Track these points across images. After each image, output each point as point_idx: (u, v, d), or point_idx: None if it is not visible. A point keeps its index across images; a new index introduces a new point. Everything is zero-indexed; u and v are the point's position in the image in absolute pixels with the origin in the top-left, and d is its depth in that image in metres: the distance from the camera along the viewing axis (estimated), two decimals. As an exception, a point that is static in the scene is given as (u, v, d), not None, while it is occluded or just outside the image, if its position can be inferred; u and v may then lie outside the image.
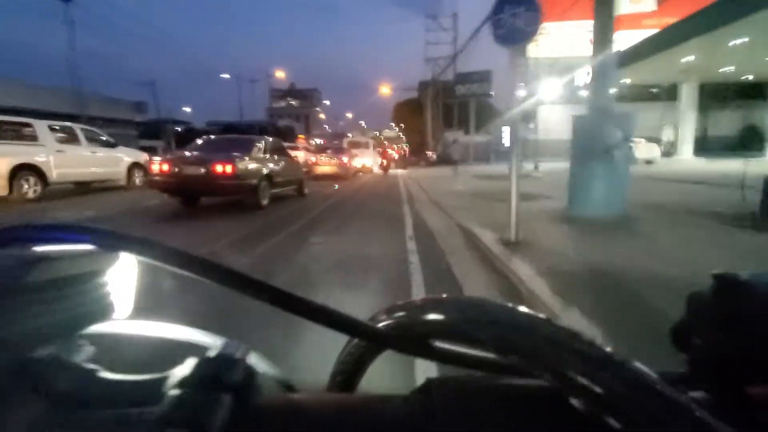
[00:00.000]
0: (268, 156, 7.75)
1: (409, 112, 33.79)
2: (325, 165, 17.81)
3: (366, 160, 22.56)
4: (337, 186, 12.41)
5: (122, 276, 0.26)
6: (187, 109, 59.70)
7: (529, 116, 26.04)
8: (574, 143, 5.28)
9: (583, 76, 20.27)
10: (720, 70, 16.03)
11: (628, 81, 19.83)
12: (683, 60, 14.60)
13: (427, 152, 33.86)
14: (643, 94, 22.34)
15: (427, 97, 27.02)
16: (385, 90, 26.92)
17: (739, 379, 0.20)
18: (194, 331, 0.32)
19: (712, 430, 0.15)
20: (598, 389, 0.16)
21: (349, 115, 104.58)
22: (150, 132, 48.33)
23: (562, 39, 26.06)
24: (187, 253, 0.21)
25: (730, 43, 12.63)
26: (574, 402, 0.18)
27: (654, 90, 20.46)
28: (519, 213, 3.99)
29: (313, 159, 18.80)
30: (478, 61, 27.86)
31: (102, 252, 0.24)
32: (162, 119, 60.62)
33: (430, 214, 6.64)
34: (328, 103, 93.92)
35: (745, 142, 21.54)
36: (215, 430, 0.17)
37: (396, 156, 29.08)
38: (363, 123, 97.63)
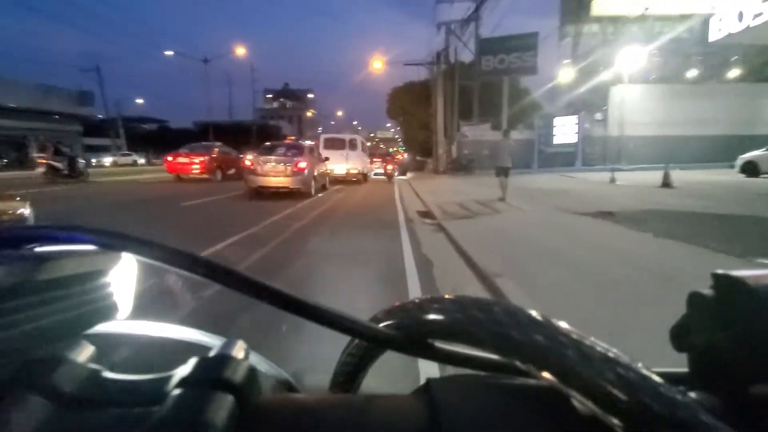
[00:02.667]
0: None
1: (410, 101, 25.46)
2: (270, 175, 10.10)
3: (352, 164, 15.54)
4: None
5: (124, 276, 0.27)
6: (140, 101, 52.01)
7: (595, 103, 17.89)
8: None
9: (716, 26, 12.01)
10: None
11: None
12: None
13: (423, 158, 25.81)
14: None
15: (438, 78, 18.78)
16: (377, 65, 18.73)
17: (740, 379, 0.20)
18: (195, 331, 0.32)
19: (713, 431, 0.15)
20: (599, 389, 0.16)
21: (340, 113, 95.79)
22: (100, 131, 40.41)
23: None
24: (188, 254, 0.21)
25: None
26: (576, 402, 0.18)
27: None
28: None
29: (248, 162, 10.79)
30: (507, 28, 19.84)
31: (104, 252, 0.24)
32: (134, 117, 53.20)
33: None
34: (311, 95, 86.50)
35: None
36: (216, 430, 0.17)
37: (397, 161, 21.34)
38: (356, 123, 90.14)
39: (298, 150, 11.02)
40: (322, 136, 16.70)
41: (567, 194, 8.77)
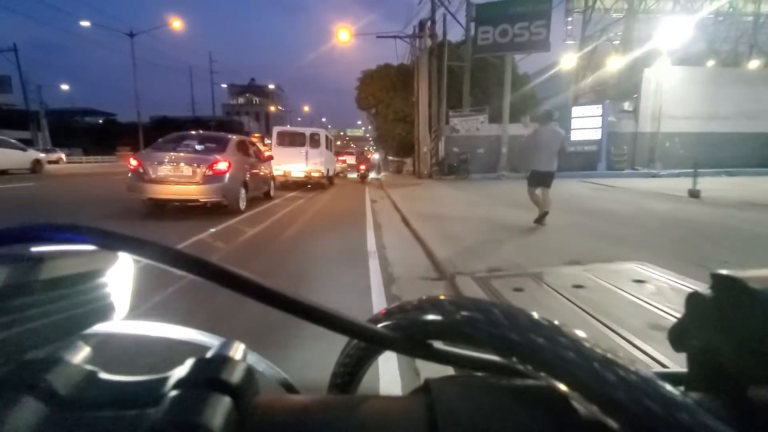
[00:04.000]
0: None
1: (385, 87, 20.91)
2: (170, 181, 6.23)
3: (313, 165, 12.20)
4: None
5: (120, 276, 0.27)
6: (65, 87, 46.08)
7: (620, 91, 14.45)
8: None
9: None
10: None
11: None
12: None
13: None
14: None
15: (422, 53, 14.89)
16: (343, 36, 14.62)
17: (738, 381, 0.20)
18: (193, 331, 0.32)
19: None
20: (599, 390, 0.16)
21: (307, 109, 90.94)
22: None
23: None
24: (185, 254, 0.21)
25: None
26: (575, 403, 0.18)
27: None
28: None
29: (133, 163, 6.48)
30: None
31: (101, 252, 0.24)
32: (76, 109, 46.81)
33: None
34: (277, 89, 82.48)
35: None
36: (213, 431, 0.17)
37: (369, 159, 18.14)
38: (325, 120, 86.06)
39: (217, 144, 6.89)
40: (275, 130, 12.61)
41: (696, 230, 5.03)
